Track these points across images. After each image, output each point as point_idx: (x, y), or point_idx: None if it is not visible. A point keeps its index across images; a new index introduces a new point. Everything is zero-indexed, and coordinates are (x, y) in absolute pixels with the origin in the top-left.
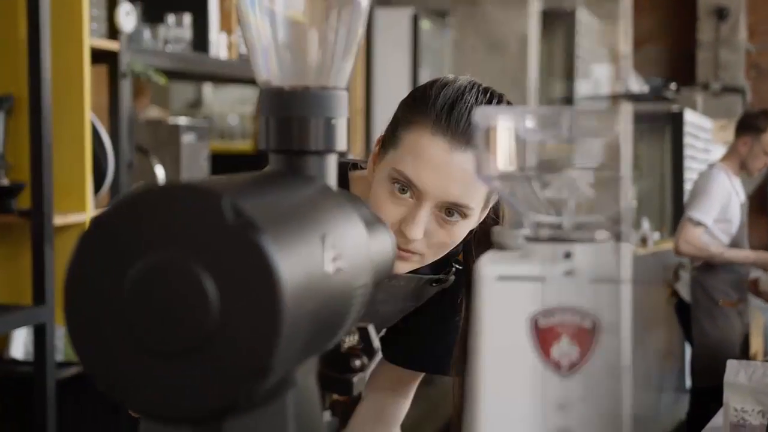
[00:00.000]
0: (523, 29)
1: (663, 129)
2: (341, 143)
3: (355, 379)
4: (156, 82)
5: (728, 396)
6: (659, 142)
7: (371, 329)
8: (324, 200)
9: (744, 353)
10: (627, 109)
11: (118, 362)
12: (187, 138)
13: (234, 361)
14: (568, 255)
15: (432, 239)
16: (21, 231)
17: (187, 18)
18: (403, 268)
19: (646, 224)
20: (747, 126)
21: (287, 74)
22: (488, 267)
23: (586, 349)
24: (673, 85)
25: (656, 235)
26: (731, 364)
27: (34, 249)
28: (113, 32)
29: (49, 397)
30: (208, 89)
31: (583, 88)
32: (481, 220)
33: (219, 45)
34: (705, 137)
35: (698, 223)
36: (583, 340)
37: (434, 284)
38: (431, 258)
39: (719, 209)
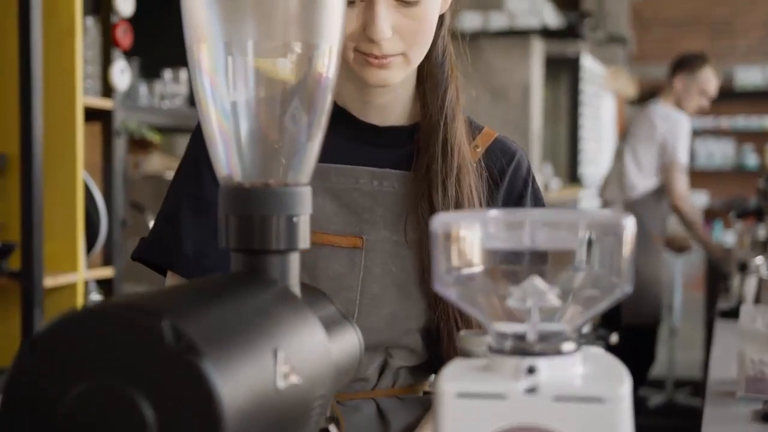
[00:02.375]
0: (526, 77)
1: (560, 73)
2: (304, 241)
3: None
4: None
5: (743, 345)
6: (555, 86)
7: (333, 430)
8: (281, 307)
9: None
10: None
11: None
12: None
13: None
14: (531, 370)
15: (403, 34)
16: (11, 292)
17: (183, 73)
18: (392, 76)
19: (548, 169)
20: (683, 64)
21: (248, 170)
22: (448, 383)
23: None
24: (588, 21)
25: (556, 182)
26: (746, 310)
27: (24, 312)
28: (108, 89)
29: None
30: None
31: (498, 20)
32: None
33: None
34: (598, 83)
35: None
36: None
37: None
38: (416, 55)
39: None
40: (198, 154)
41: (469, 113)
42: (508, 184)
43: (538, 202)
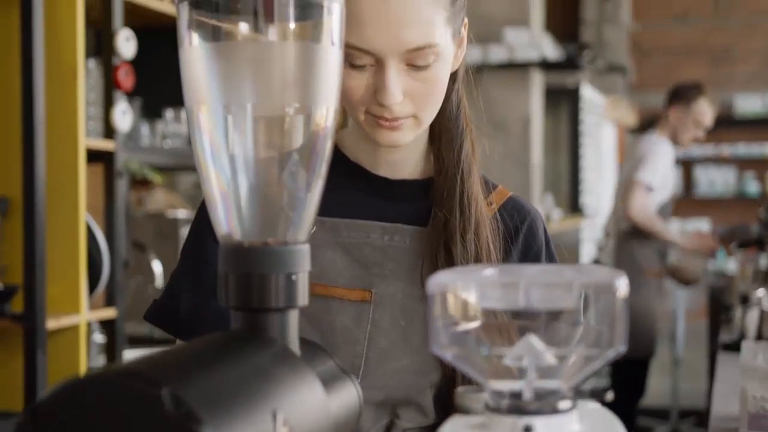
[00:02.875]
0: (526, 109)
1: (560, 103)
2: (303, 298)
3: None
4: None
5: (745, 382)
6: (556, 116)
7: None
8: (279, 367)
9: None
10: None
11: None
12: (186, 232)
13: None
14: (528, 429)
15: (414, 96)
16: (13, 335)
17: (184, 113)
18: (402, 137)
19: (549, 200)
20: (678, 96)
21: (247, 229)
22: None
23: None
24: (586, 53)
25: (558, 212)
26: (747, 346)
27: (27, 354)
28: (110, 130)
29: None
30: None
31: (497, 53)
32: (461, 54)
33: None
34: (598, 113)
35: (648, 188)
36: None
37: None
38: (427, 116)
39: (662, 176)
40: (203, 216)
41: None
42: (522, 246)
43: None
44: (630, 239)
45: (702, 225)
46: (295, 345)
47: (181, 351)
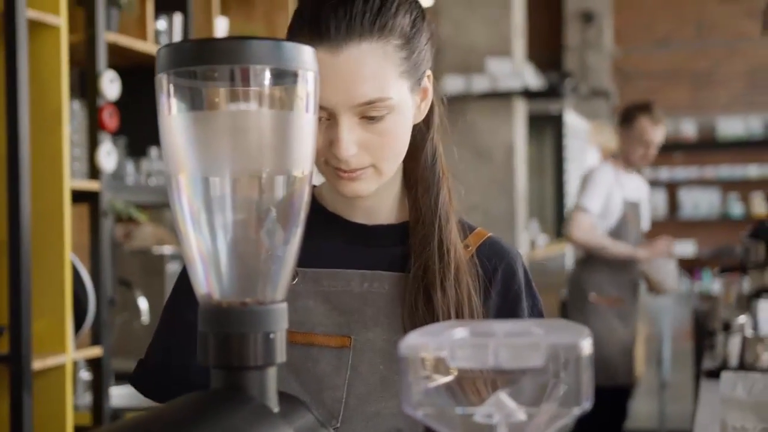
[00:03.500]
0: (510, 137)
1: (544, 130)
2: (281, 355)
3: None
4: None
5: (725, 412)
6: (540, 142)
7: None
8: (257, 426)
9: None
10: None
11: None
12: (172, 267)
13: None
14: None
15: (370, 148)
16: None
17: None
18: (363, 188)
19: (535, 226)
20: (622, 118)
21: (226, 290)
22: None
23: None
24: (568, 81)
25: (543, 238)
26: (727, 377)
27: (12, 396)
28: (95, 171)
29: None
30: None
31: (480, 83)
32: (425, 106)
33: None
34: (582, 138)
35: (588, 211)
36: None
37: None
38: (387, 167)
39: (602, 200)
40: (185, 274)
41: (453, 173)
42: (501, 287)
43: (535, 307)
44: (581, 267)
45: (687, 247)
46: (273, 401)
47: (161, 413)
